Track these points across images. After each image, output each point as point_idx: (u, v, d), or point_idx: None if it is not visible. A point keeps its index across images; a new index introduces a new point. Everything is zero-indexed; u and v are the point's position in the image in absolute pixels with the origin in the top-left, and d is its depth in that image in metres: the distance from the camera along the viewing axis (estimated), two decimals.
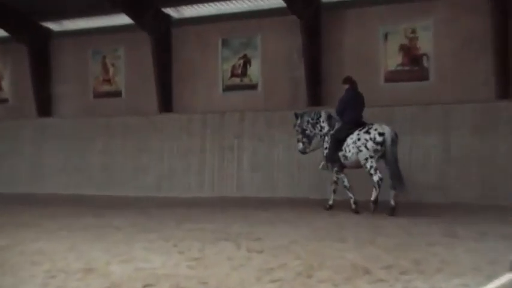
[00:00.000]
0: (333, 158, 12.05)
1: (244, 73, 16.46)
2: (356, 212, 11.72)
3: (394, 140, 11.57)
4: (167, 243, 8.53)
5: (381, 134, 11.52)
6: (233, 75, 16.59)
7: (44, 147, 18.27)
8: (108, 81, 18.27)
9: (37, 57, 18.66)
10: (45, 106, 18.86)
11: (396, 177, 11.32)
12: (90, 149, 17.66)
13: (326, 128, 12.37)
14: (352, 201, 11.93)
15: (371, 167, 11.48)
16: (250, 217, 11.41)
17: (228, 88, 16.67)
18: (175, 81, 17.30)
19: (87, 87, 18.55)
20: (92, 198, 16.04)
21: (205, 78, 16.93)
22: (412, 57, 14.65)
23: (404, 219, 10.79)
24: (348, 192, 12.04)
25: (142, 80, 17.60)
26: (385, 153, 11.49)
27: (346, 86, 12.26)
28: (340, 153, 11.98)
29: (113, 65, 18.21)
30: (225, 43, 16.66)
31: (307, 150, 12.77)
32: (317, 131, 12.50)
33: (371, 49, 15.01)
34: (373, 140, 11.53)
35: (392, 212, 11.19)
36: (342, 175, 12.17)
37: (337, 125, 12.25)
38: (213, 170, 15.96)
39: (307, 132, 12.61)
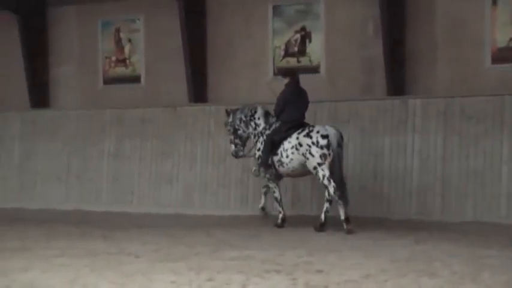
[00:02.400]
0: (267, 163, 13.34)
1: (302, 51, 16.42)
2: (279, 227, 13.40)
3: (340, 143, 12.94)
4: (199, 275, 8.54)
5: (324, 137, 12.78)
6: (287, 54, 16.57)
7: (36, 149, 18.51)
8: (122, 61, 18.42)
9: (30, 31, 18.92)
10: (39, 95, 19.11)
11: (339, 186, 12.64)
12: (98, 151, 17.81)
13: (261, 126, 13.75)
14: (280, 216, 13.52)
15: (323, 176, 12.69)
16: (309, 242, 11.39)
17: (280, 71, 16.62)
18: (211, 63, 17.34)
19: (95, 71, 18.73)
20: (99, 215, 16.19)
21: (249, 59, 16.93)
22: None
23: None
24: (277, 206, 13.61)
25: (168, 61, 17.69)
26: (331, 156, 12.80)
27: (286, 80, 13.58)
28: (275, 158, 13.30)
29: (129, 40, 18.36)
30: (277, 11, 16.66)
31: (241, 153, 14.16)
32: (251, 129, 13.92)
33: (474, 18, 14.82)
34: (317, 144, 12.76)
35: (348, 224, 12.57)
36: (274, 184, 13.62)
37: (274, 124, 13.54)
38: (259, 180, 15.90)
39: (240, 132, 14.03)
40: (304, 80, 16.17)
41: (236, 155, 14.20)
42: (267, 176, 13.59)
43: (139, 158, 17.32)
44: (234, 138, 14.08)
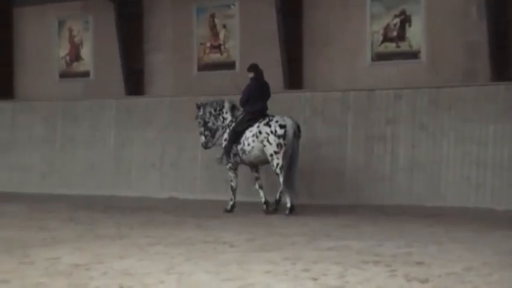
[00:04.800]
0: (230, 152, 14.53)
1: (401, 36, 16.26)
2: (229, 212, 14.47)
3: (296, 133, 14.13)
4: (295, 266, 8.56)
5: (282, 127, 14.02)
6: (386, 39, 16.44)
7: (132, 136, 18.80)
8: (217, 48, 18.56)
9: (126, 18, 19.22)
10: (135, 82, 19.42)
11: (289, 174, 13.93)
12: (192, 139, 17.96)
13: (229, 119, 14.90)
14: (230, 203, 14.64)
15: (277, 164, 13.96)
16: (408, 233, 11.29)
17: (378, 57, 16.57)
18: (307, 48, 17.32)
19: (190, 57, 18.92)
20: (194, 203, 16.36)
21: (346, 44, 16.86)
22: None
23: None
24: (231, 194, 14.69)
25: (263, 47, 17.73)
26: (287, 146, 14.00)
27: (251, 75, 14.69)
28: (238, 147, 14.49)
29: (224, 26, 18.48)
30: None
31: (210, 144, 15.25)
32: (220, 122, 15.05)
33: None
34: (274, 133, 14.00)
35: (291, 212, 13.78)
36: (233, 174, 14.73)
37: (240, 116, 14.73)
38: (356, 168, 15.87)
39: (210, 124, 15.13)
40: (402, 67, 16.10)
41: (206, 146, 15.27)
42: (229, 165, 14.70)
43: None
44: (204, 130, 15.18)
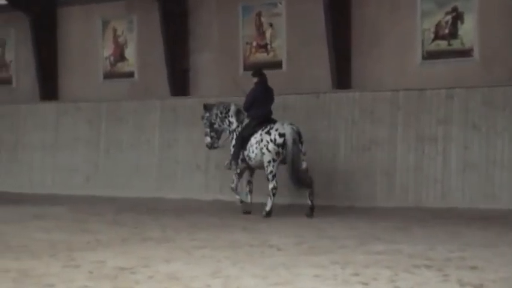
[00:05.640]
0: (238, 158, 14.89)
1: (453, 34, 16.14)
2: (247, 213, 14.82)
3: (296, 140, 14.33)
4: (344, 270, 8.53)
5: (281, 135, 14.34)
6: (438, 36, 16.33)
7: (177, 137, 18.87)
8: (263, 47, 18.55)
9: (171, 17, 19.29)
10: (180, 82, 19.49)
11: (294, 179, 14.26)
12: None
13: (235, 124, 15.26)
14: (238, 199, 15.22)
15: (271, 172, 14.41)
16: (461, 237, 11.23)
17: (430, 55, 16.44)
18: (356, 47, 17.26)
19: (235, 57, 18.93)
20: (239, 206, 16.38)
21: (396, 42, 16.77)
22: None
23: None
24: (235, 194, 15.22)
25: (310, 46, 17.70)
26: (286, 154, 14.31)
27: (255, 79, 14.98)
28: (245, 153, 14.83)
29: (270, 25, 18.46)
30: None
31: (216, 145, 15.71)
32: (225, 125, 15.43)
33: None
34: (274, 141, 14.37)
35: (311, 212, 14.18)
36: (237, 178, 15.09)
37: (245, 121, 15.07)
38: (407, 170, 15.76)
39: (216, 126, 15.52)
40: (455, 65, 15.99)
41: (211, 147, 15.71)
42: (238, 170, 15.06)
43: None
44: (210, 131, 15.57)
